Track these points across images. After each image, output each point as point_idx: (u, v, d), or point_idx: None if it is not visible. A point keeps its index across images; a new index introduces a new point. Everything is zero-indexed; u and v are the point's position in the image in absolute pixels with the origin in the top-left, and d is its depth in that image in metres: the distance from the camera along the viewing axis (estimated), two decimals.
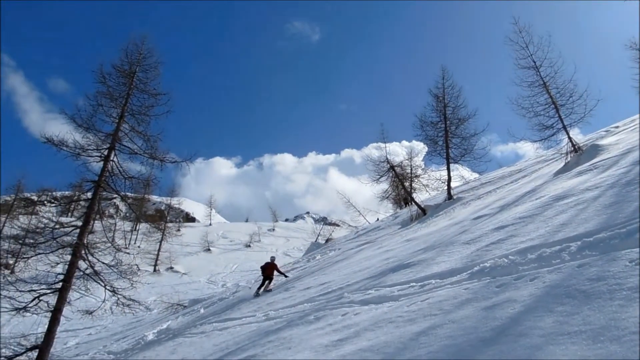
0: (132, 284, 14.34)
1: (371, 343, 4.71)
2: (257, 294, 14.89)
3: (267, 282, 15.60)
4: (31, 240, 15.53)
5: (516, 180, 21.63)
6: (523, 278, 4.98)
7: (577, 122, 18.87)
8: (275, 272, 16.14)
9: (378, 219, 39.45)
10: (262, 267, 16.31)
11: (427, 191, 34.28)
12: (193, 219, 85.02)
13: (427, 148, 28.16)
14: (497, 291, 4.88)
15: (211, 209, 72.65)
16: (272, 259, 17.13)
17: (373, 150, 29.43)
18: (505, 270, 5.64)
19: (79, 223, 14.09)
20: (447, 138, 25.14)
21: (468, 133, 25.30)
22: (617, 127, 24.23)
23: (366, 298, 7.36)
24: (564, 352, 2.95)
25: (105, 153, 14.69)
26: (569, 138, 18.43)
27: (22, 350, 12.18)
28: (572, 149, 17.95)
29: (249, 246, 52.98)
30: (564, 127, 18.62)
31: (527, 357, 3.09)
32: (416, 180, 35.42)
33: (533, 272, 5.08)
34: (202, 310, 17.04)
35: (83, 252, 13.44)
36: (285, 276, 16.99)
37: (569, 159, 17.31)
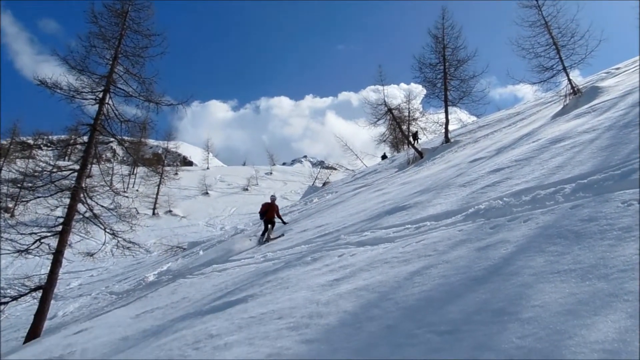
0: (131, 227, 14.49)
1: (367, 282, 4.82)
2: (260, 243, 13.38)
3: (270, 227, 13.95)
4: (29, 184, 15.59)
5: (514, 123, 21.57)
6: (517, 219, 5.05)
7: (577, 63, 18.68)
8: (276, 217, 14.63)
9: (385, 155, 38.92)
10: (261, 211, 14.58)
11: (424, 134, 34.24)
12: (190, 163, 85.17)
13: (425, 91, 27.88)
14: (491, 232, 4.96)
15: (208, 153, 72.61)
16: (273, 198, 15.26)
17: (371, 93, 29.17)
18: (500, 212, 5.72)
19: (77, 167, 14.11)
20: (446, 80, 24.84)
21: (467, 75, 24.99)
22: (618, 68, 23.92)
23: (362, 240, 7.49)
24: (553, 290, 3.03)
25: (100, 96, 14.53)
26: (569, 80, 18.26)
27: (27, 291, 12.49)
28: (572, 91, 17.83)
29: (247, 189, 53.39)
30: (564, 69, 18.41)
31: (517, 294, 3.17)
32: (414, 124, 35.29)
33: (527, 213, 5.16)
34: (201, 253, 17.34)
35: (82, 195, 13.52)
36: (284, 222, 15.19)
37: (567, 101, 17.21)
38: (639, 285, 2.66)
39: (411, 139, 32.97)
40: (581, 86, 18.53)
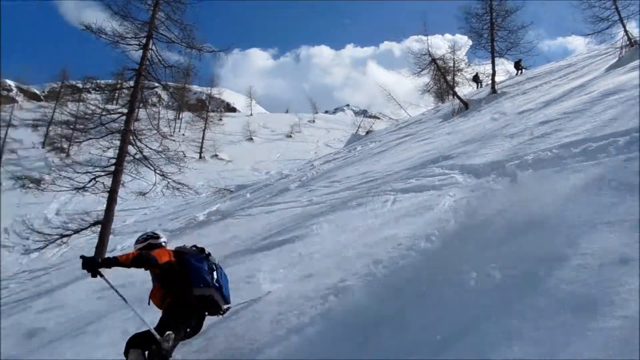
0: (180, 169, 14.90)
1: (412, 228, 4.98)
2: None
3: None
4: (81, 126, 16.23)
5: (565, 75, 20.80)
6: (566, 171, 5.02)
7: (635, 14, 17.73)
8: None
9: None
10: None
11: (470, 85, 33.40)
12: (234, 109, 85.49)
13: (471, 42, 27.14)
14: (541, 181, 4.98)
15: (251, 100, 72.32)
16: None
17: (414, 43, 28.17)
18: (548, 163, 5.66)
19: (125, 110, 14.49)
20: (493, 31, 23.95)
21: (515, 26, 24.03)
22: None
23: (407, 187, 7.54)
24: (603, 239, 3.11)
25: (144, 41, 14.70)
26: (625, 31, 17.41)
27: (86, 225, 13.18)
28: (628, 43, 17.02)
29: (290, 136, 53.34)
30: (621, 20, 17.55)
31: (567, 243, 3.25)
32: (459, 74, 34.38)
33: (576, 165, 5.08)
34: (248, 195, 17.77)
35: (131, 138, 13.92)
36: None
37: (623, 53, 16.47)
38: None
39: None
40: (639, 37, 17.67)
